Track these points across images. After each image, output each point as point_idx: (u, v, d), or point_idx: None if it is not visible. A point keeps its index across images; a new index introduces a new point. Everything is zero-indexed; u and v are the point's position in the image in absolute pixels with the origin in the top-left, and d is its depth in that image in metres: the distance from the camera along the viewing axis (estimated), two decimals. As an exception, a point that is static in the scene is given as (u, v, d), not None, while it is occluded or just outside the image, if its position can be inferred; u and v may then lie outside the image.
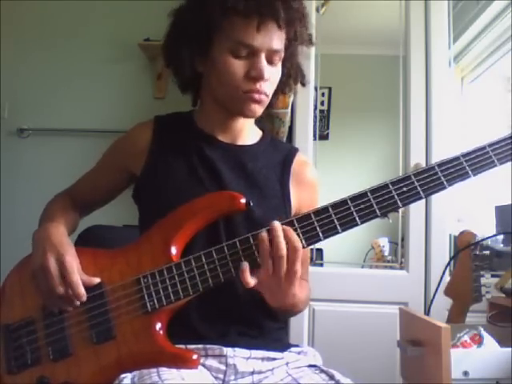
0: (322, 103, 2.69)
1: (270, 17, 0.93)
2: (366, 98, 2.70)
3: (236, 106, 1.01)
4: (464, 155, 0.89)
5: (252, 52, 0.96)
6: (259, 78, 0.96)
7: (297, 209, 1.06)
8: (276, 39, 0.97)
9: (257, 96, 0.98)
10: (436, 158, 2.12)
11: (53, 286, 0.88)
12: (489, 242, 2.01)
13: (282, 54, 1.00)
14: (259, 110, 1.01)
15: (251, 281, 0.84)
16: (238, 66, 0.96)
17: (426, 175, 0.88)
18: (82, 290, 0.89)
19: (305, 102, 2.20)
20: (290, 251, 0.83)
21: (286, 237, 0.84)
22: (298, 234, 0.86)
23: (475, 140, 2.56)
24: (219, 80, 0.99)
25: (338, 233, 0.87)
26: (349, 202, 0.87)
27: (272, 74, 0.99)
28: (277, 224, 0.84)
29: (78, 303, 0.90)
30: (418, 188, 0.88)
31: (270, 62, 0.98)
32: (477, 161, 0.88)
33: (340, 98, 2.72)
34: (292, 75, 1.08)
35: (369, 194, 0.88)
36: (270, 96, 1.02)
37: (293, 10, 0.97)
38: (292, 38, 1.00)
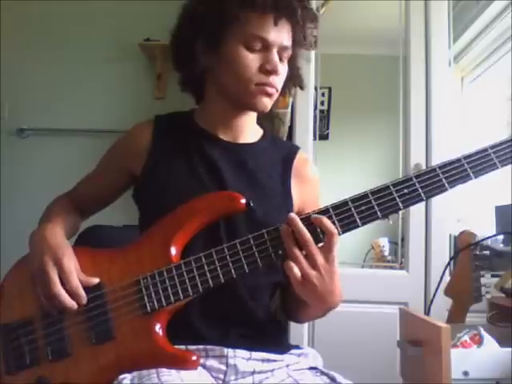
0: (322, 103, 2.69)
1: (285, 13, 0.95)
2: (366, 98, 2.70)
3: (247, 100, 1.00)
4: (465, 157, 0.88)
5: (265, 46, 0.97)
6: (273, 71, 0.97)
7: (299, 206, 1.06)
8: (287, 36, 0.99)
9: (269, 89, 0.98)
10: (436, 158, 2.13)
11: (51, 290, 0.88)
12: (489, 241, 2.01)
13: (290, 52, 1.01)
14: (269, 104, 1.01)
15: (298, 274, 0.82)
16: (252, 59, 0.97)
17: (427, 177, 0.88)
18: (82, 293, 0.89)
19: (305, 102, 2.20)
20: (327, 237, 0.83)
21: (321, 224, 0.83)
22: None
23: (475, 140, 2.57)
24: (231, 73, 0.99)
25: (338, 234, 0.87)
26: (350, 203, 0.87)
27: (283, 70, 1.00)
28: (293, 215, 0.84)
29: (76, 306, 0.89)
30: (420, 190, 0.87)
31: (280, 58, 0.99)
32: (478, 163, 0.88)
33: (340, 98, 2.72)
34: (292, 77, 1.08)
35: (370, 195, 0.87)
36: (279, 92, 1.03)
37: (307, 10, 0.99)
38: (300, 38, 1.02)
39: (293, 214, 0.85)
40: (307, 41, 1.04)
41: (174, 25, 1.05)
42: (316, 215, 0.85)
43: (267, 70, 0.97)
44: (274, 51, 0.98)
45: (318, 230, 0.86)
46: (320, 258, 0.83)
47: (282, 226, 0.85)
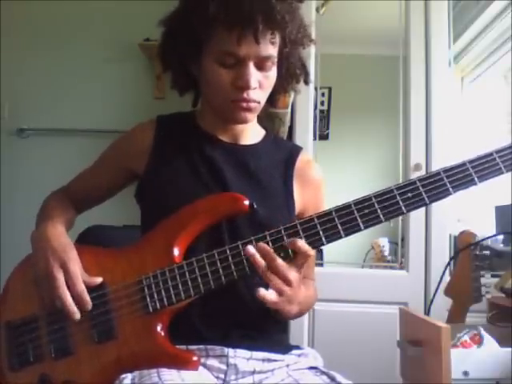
0: (322, 103, 2.69)
1: (250, 28, 0.91)
2: (366, 98, 2.70)
3: (226, 114, 1.01)
4: (470, 161, 0.87)
5: (239, 60, 0.94)
6: (245, 87, 0.95)
7: (301, 208, 1.06)
8: (262, 47, 0.93)
9: (245, 105, 0.97)
10: (436, 158, 2.13)
11: (57, 293, 0.88)
12: (489, 241, 2.01)
13: (275, 59, 0.98)
14: (250, 116, 1.00)
15: (273, 297, 0.84)
16: (225, 75, 0.95)
17: (431, 181, 0.87)
18: (87, 299, 0.89)
19: (305, 102, 2.20)
20: (301, 256, 0.85)
21: (297, 247, 0.85)
22: (300, 238, 0.86)
23: (475, 140, 2.57)
24: (209, 88, 1.00)
25: (340, 237, 0.87)
26: (353, 206, 0.87)
27: (263, 80, 0.98)
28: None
29: (79, 316, 0.89)
30: (423, 194, 0.86)
31: (262, 68, 0.96)
32: (483, 167, 0.87)
33: (340, 98, 2.72)
34: (293, 75, 1.07)
35: (373, 198, 0.87)
36: (263, 102, 1.01)
37: (276, 19, 0.92)
38: (281, 43, 0.98)
39: (262, 245, 0.85)
40: (292, 44, 0.99)
41: (159, 38, 1.05)
42: (290, 239, 0.86)
43: (239, 86, 0.95)
44: (249, 65, 0.94)
45: (320, 232, 0.86)
46: (293, 275, 0.85)
47: (248, 248, 0.85)
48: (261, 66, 0.96)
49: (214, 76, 0.96)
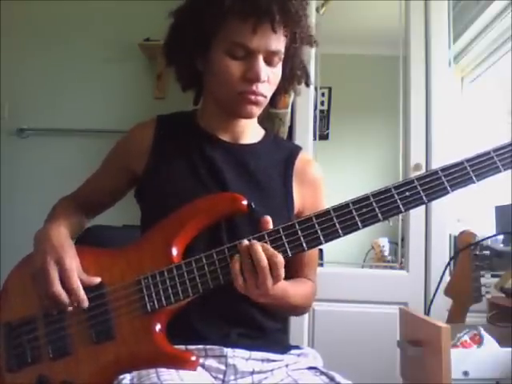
0: (322, 103, 2.69)
1: (265, 19, 0.92)
2: (365, 98, 2.69)
3: (232, 107, 1.00)
4: (468, 160, 0.87)
5: (249, 53, 0.95)
6: (255, 79, 0.95)
7: (300, 208, 1.06)
8: (274, 40, 0.95)
9: (253, 97, 0.97)
10: (436, 158, 2.13)
11: (50, 288, 0.88)
12: (489, 241, 2.01)
13: (282, 55, 0.99)
14: (256, 110, 1.00)
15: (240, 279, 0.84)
16: (235, 67, 0.96)
17: (428, 179, 0.87)
18: (82, 296, 0.89)
19: (305, 102, 2.20)
20: (272, 265, 0.84)
21: (265, 251, 0.84)
22: (299, 237, 0.86)
23: (475, 140, 2.57)
24: (216, 80, 1.00)
25: (339, 236, 0.87)
26: (351, 205, 0.87)
27: (271, 75, 0.98)
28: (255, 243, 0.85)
29: (74, 305, 0.89)
30: (421, 193, 0.87)
31: (269, 62, 0.97)
32: (481, 166, 0.87)
33: (340, 98, 2.71)
34: (295, 76, 1.07)
35: (371, 197, 0.87)
36: (269, 97, 1.01)
37: (290, 12, 0.94)
38: (291, 39, 0.99)
39: (254, 242, 0.84)
40: (300, 41, 1.01)
41: (166, 30, 1.04)
42: (252, 242, 0.85)
43: (249, 78, 0.95)
44: (259, 58, 0.95)
45: (319, 231, 0.86)
46: (269, 282, 0.83)
47: (242, 243, 0.85)
48: (269, 60, 0.97)
49: (223, 67, 0.96)
